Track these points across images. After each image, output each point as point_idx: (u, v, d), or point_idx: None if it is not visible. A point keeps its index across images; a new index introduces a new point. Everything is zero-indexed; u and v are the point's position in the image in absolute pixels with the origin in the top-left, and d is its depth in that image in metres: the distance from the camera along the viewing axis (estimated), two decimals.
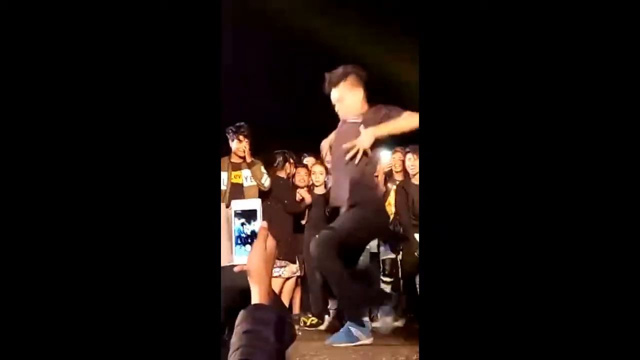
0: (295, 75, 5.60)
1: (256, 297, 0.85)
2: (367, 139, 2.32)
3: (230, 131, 3.52)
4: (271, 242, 0.87)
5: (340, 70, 2.45)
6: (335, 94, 2.45)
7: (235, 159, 3.52)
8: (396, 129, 2.34)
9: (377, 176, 2.50)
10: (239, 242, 0.88)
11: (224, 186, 3.44)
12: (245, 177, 3.51)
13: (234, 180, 3.49)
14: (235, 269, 0.88)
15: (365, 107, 2.49)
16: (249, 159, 3.50)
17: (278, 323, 0.82)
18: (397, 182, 3.77)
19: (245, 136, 3.51)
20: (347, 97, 2.45)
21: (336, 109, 2.49)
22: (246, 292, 0.89)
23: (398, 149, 3.76)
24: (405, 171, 3.73)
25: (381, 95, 2.53)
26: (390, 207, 3.73)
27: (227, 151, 3.56)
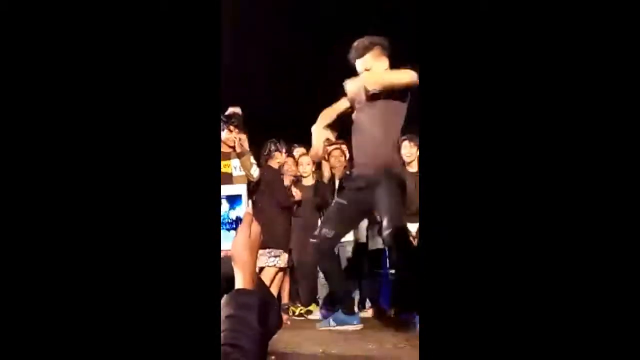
0: (295, 69, 5.59)
1: (240, 283, 0.84)
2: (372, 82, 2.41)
3: (220, 120, 3.49)
4: (256, 227, 0.87)
5: (366, 41, 2.50)
6: (361, 65, 2.49)
7: (225, 149, 3.50)
8: (392, 81, 2.42)
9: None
10: (224, 227, 0.87)
11: None
12: (234, 166, 3.49)
13: (224, 170, 3.46)
14: (221, 254, 0.87)
15: None
16: (238, 149, 3.47)
17: (262, 308, 0.82)
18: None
19: (235, 126, 3.49)
20: (374, 67, 2.49)
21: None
22: (231, 279, 0.89)
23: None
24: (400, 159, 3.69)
25: None
26: None
27: None
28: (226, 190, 0.88)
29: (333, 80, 2.61)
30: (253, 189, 3.46)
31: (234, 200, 0.88)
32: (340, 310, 2.66)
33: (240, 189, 0.89)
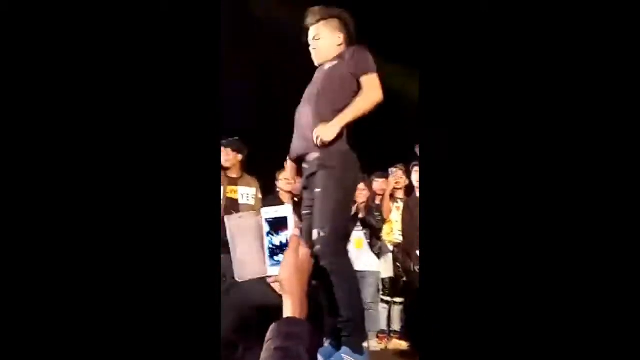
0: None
1: (288, 310, 0.79)
2: (329, 133, 1.99)
3: (222, 145, 3.47)
4: (304, 251, 0.82)
5: (324, 8, 2.21)
6: (312, 32, 2.20)
7: (231, 174, 3.46)
8: (358, 112, 2.02)
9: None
10: (271, 252, 0.81)
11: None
12: (241, 194, 3.45)
13: (230, 195, 3.42)
14: (269, 280, 0.82)
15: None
16: (237, 174, 3.44)
17: (310, 338, 0.77)
18: (401, 199, 3.72)
19: (235, 150, 3.46)
20: (324, 38, 2.18)
21: (311, 49, 2.20)
22: (274, 308, 0.84)
23: (399, 165, 3.72)
24: (411, 187, 3.67)
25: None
26: (391, 225, 3.68)
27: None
28: (272, 212, 0.82)
29: None
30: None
31: (278, 223, 0.82)
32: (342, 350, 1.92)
33: (285, 210, 0.83)
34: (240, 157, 3.47)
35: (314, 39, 2.19)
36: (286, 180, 3.55)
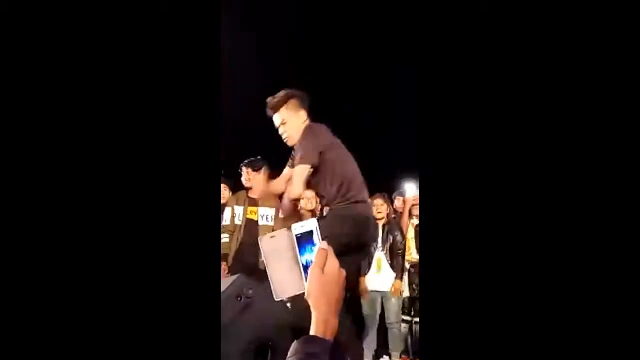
0: None
1: (313, 327, 0.77)
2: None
3: (242, 166, 3.50)
4: (333, 263, 0.80)
5: (281, 93, 2.35)
6: (277, 118, 2.35)
7: (253, 194, 3.47)
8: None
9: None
10: (305, 268, 0.80)
11: (239, 220, 3.39)
12: (261, 215, 3.44)
13: (249, 216, 3.42)
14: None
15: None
16: (257, 194, 3.45)
17: (331, 358, 0.75)
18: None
19: (256, 170, 3.47)
20: (291, 120, 2.33)
21: (280, 132, 2.36)
22: (279, 328, 0.84)
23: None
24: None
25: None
26: (408, 242, 3.65)
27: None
28: (296, 228, 0.81)
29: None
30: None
31: (307, 237, 0.81)
32: None
33: (311, 224, 0.81)
34: (255, 175, 3.47)
35: (282, 124, 2.31)
36: (307, 200, 3.55)
